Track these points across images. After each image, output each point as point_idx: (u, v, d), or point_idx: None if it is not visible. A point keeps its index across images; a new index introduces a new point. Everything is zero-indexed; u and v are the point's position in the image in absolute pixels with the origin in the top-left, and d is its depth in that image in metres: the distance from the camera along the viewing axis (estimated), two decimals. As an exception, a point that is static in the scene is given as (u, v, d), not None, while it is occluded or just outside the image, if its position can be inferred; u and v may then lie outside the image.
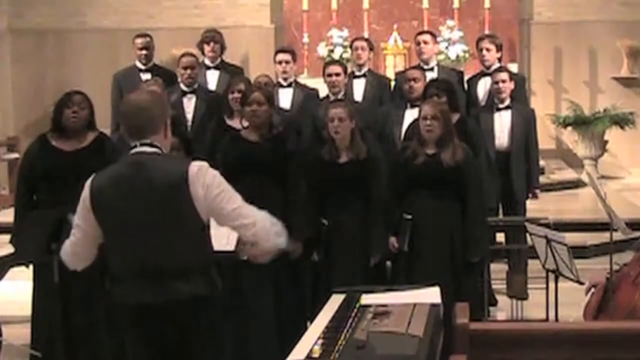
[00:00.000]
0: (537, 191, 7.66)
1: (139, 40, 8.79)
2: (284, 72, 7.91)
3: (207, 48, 8.57)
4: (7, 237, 5.77)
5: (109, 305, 5.46)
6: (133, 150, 3.95)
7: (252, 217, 3.96)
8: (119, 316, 4.00)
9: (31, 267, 5.67)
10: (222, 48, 8.68)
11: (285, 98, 7.80)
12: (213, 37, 8.63)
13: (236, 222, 3.94)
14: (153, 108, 3.95)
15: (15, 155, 11.25)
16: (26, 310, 5.87)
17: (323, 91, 7.73)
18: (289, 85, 7.91)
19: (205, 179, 3.88)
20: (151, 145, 3.92)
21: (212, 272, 3.97)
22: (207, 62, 8.59)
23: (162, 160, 3.94)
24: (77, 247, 4.02)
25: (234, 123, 6.52)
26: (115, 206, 3.89)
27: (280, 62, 7.94)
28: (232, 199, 3.94)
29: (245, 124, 6.06)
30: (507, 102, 7.43)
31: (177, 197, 3.85)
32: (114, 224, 3.92)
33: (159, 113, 3.97)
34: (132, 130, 3.97)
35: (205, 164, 3.97)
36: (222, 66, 8.64)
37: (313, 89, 8.08)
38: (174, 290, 3.85)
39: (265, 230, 3.99)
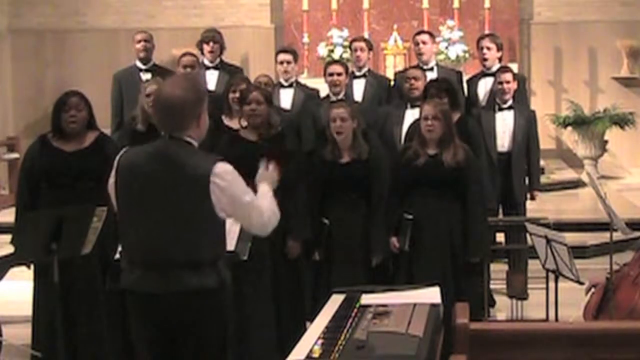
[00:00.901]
0: (537, 193, 7.65)
1: (138, 36, 8.80)
2: (285, 72, 7.92)
3: (206, 48, 8.57)
4: (7, 237, 5.76)
5: (111, 301, 5.52)
6: (162, 139, 3.95)
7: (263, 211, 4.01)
8: (127, 303, 4.00)
9: (31, 267, 5.67)
10: (222, 48, 8.68)
11: (286, 98, 7.81)
12: (212, 37, 8.63)
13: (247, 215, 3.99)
14: (186, 106, 3.91)
15: (15, 155, 11.25)
16: (26, 310, 5.87)
17: (323, 92, 7.73)
18: (290, 86, 7.92)
19: (227, 179, 3.90)
20: (180, 139, 3.93)
21: (222, 267, 3.96)
22: (207, 62, 8.59)
23: (189, 153, 3.93)
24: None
25: (233, 123, 6.52)
26: (133, 188, 3.91)
27: (281, 62, 7.95)
28: (245, 194, 3.96)
29: (244, 123, 6.06)
30: (510, 102, 7.43)
31: (196, 192, 3.85)
32: (129, 205, 3.93)
33: (191, 109, 3.94)
34: (163, 126, 3.97)
35: (229, 167, 3.96)
36: (222, 66, 8.64)
37: (314, 89, 8.07)
38: (182, 281, 3.86)
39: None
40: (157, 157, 3.91)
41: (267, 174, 4.24)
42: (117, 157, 4.00)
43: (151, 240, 3.89)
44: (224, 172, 3.91)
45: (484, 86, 7.83)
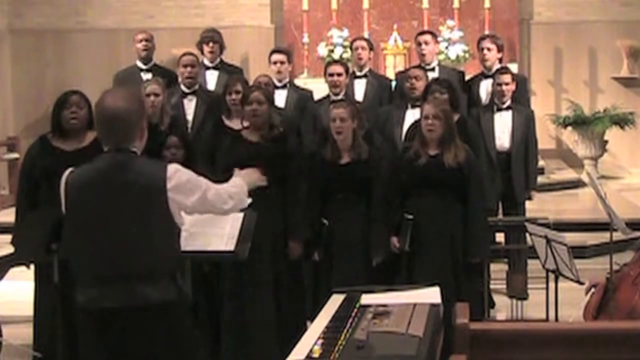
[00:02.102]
0: (533, 193, 7.65)
1: (139, 36, 8.80)
2: (279, 72, 7.91)
3: (206, 48, 8.57)
4: (7, 237, 5.77)
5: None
6: (107, 153, 3.88)
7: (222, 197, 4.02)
8: (81, 322, 3.89)
9: (32, 267, 5.67)
10: (221, 48, 8.68)
11: (279, 99, 7.80)
12: (212, 37, 8.63)
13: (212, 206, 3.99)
14: (129, 117, 3.84)
15: (15, 155, 11.26)
16: (26, 310, 5.87)
17: (322, 91, 7.72)
18: (284, 87, 7.91)
19: (180, 180, 3.84)
20: (127, 150, 3.86)
21: (179, 278, 3.90)
22: (207, 62, 8.58)
23: (138, 163, 3.86)
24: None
25: (232, 124, 6.52)
26: (86, 205, 3.83)
27: (274, 63, 7.95)
28: (199, 187, 3.92)
29: (246, 123, 6.06)
30: (508, 103, 7.43)
31: (150, 202, 3.80)
32: (82, 222, 3.85)
33: (135, 121, 3.86)
34: (106, 139, 3.90)
35: (177, 165, 3.93)
36: (222, 66, 8.64)
37: (307, 91, 8.08)
38: (141, 294, 3.78)
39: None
40: (108, 172, 3.83)
41: (247, 173, 4.30)
42: (64, 178, 3.90)
43: (108, 256, 3.80)
44: (174, 173, 3.85)
45: (485, 87, 7.83)
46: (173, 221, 3.86)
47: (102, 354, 3.84)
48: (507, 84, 7.38)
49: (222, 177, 4.55)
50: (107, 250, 3.80)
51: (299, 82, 10.13)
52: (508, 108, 7.42)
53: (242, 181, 4.23)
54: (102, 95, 3.96)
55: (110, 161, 3.86)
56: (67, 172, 3.94)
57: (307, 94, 7.99)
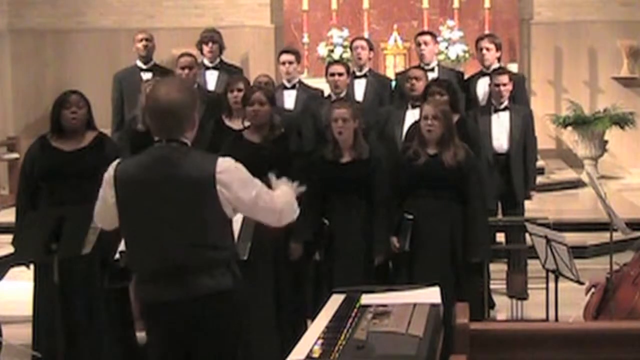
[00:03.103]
0: (533, 193, 7.65)
1: (139, 36, 8.81)
2: (288, 72, 7.90)
3: (205, 48, 8.58)
4: (7, 237, 5.77)
5: (110, 301, 5.51)
6: (159, 144, 3.87)
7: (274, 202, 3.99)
8: (146, 316, 3.97)
9: (31, 267, 5.67)
10: (221, 48, 8.68)
11: (289, 99, 7.80)
12: (212, 37, 8.63)
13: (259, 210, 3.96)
14: (182, 109, 3.83)
15: (15, 155, 11.26)
16: (26, 310, 5.87)
17: (325, 91, 7.72)
18: (293, 87, 7.91)
19: (231, 175, 3.84)
20: (177, 141, 3.85)
21: (233, 265, 3.94)
22: (206, 62, 8.59)
23: (189, 156, 3.85)
24: (100, 215, 4.06)
25: (233, 124, 6.52)
26: (136, 198, 3.84)
27: (283, 63, 7.94)
28: (252, 187, 3.91)
29: (247, 123, 6.06)
30: (506, 103, 7.42)
31: (202, 194, 3.80)
32: (134, 216, 3.86)
33: (188, 112, 3.85)
34: (159, 131, 3.88)
35: (231, 160, 3.91)
36: (221, 66, 8.64)
37: (317, 89, 8.05)
38: (198, 286, 3.81)
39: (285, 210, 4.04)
40: (158, 164, 3.83)
41: (282, 181, 4.21)
42: (112, 172, 3.89)
43: (163, 249, 3.82)
44: (227, 168, 3.85)
45: (483, 86, 7.82)
46: (224, 213, 3.85)
47: (168, 346, 3.90)
48: (504, 84, 7.36)
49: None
50: (161, 244, 3.82)
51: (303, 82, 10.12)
52: (505, 109, 7.41)
53: (290, 189, 4.16)
54: (155, 85, 3.99)
55: (162, 153, 3.85)
56: (114, 163, 3.93)
57: (317, 92, 7.97)
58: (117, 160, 3.96)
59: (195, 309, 3.83)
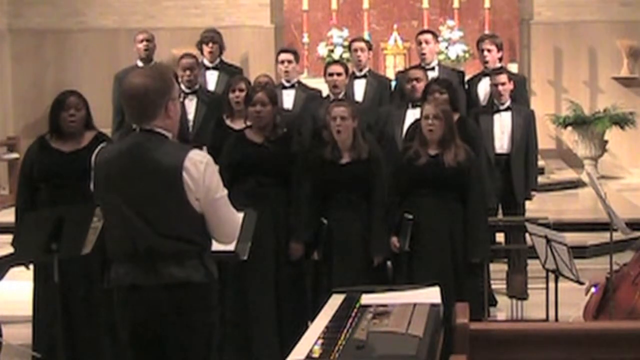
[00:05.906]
0: (533, 193, 7.64)
1: (140, 36, 8.81)
2: (286, 72, 7.90)
3: (205, 48, 8.58)
4: (7, 237, 5.77)
5: (110, 301, 5.50)
6: (134, 132, 3.90)
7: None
8: (114, 299, 3.96)
9: (31, 267, 5.67)
10: (221, 48, 8.68)
11: (287, 99, 7.80)
12: (212, 38, 8.64)
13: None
14: (147, 94, 3.80)
15: (15, 155, 11.26)
16: (26, 310, 5.87)
17: (324, 91, 7.72)
18: (292, 86, 7.90)
19: (199, 169, 3.80)
20: (150, 131, 3.85)
21: (208, 260, 3.91)
22: (206, 62, 8.59)
23: (164, 145, 3.84)
24: None
25: (234, 124, 6.52)
26: (109, 182, 3.86)
27: (282, 62, 7.94)
28: (219, 191, 3.88)
29: (249, 122, 6.06)
30: (507, 103, 7.42)
31: (168, 183, 3.79)
32: (110, 201, 3.88)
33: (155, 99, 3.82)
34: (129, 117, 3.93)
35: (206, 157, 3.88)
36: (221, 66, 8.65)
37: (316, 89, 8.06)
38: (166, 273, 3.80)
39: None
40: (128, 151, 3.84)
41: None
42: (94, 156, 3.95)
43: (132, 235, 3.82)
44: (197, 162, 3.81)
45: (484, 86, 7.82)
46: (192, 206, 3.83)
47: (129, 329, 3.90)
48: (503, 83, 7.37)
49: (225, 176, 4.55)
50: (131, 229, 3.82)
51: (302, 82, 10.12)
52: (507, 109, 7.41)
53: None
54: (131, 72, 4.04)
55: (136, 140, 3.87)
56: (97, 149, 3.98)
57: (316, 92, 7.97)
58: (100, 146, 4.02)
59: (164, 296, 3.80)
